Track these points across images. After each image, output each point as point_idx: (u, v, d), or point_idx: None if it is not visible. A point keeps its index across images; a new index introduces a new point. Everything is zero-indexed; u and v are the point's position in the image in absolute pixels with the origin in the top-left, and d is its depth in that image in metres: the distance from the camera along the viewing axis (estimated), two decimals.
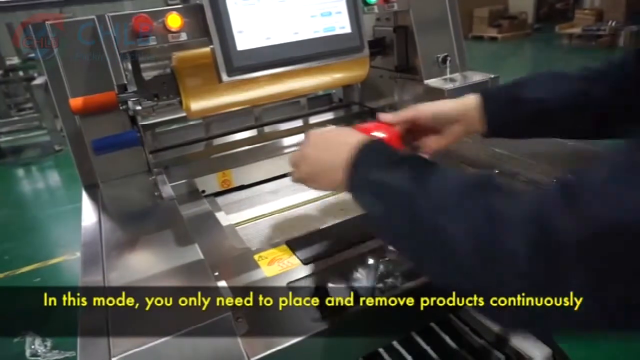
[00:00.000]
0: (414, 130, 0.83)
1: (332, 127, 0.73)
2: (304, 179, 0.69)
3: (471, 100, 0.78)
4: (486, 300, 0.44)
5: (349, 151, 0.58)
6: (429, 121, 0.81)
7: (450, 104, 0.80)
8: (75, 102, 0.92)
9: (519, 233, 0.40)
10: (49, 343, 2.15)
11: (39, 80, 4.32)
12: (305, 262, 0.74)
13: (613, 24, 6.69)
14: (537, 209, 0.40)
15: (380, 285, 0.71)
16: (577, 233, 0.36)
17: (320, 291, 0.71)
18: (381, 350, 0.95)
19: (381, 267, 0.78)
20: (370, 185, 0.55)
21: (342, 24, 1.01)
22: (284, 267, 0.73)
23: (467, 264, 0.44)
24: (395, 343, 0.97)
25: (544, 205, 0.40)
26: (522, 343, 0.94)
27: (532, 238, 0.39)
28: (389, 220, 0.53)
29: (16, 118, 5.13)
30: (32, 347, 2.14)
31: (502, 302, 0.41)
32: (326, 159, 0.63)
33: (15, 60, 5.08)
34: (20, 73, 5.06)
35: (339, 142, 0.61)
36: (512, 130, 0.80)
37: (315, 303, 0.67)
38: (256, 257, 0.76)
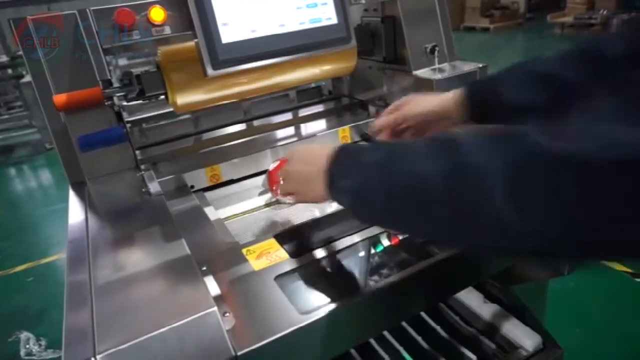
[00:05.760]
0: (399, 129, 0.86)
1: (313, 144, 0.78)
2: (291, 194, 0.73)
3: (453, 96, 0.81)
4: (465, 238, 0.46)
5: (326, 161, 0.61)
6: (417, 120, 0.84)
7: (435, 101, 0.83)
8: (59, 98, 0.90)
9: (500, 157, 0.40)
10: (43, 342, 2.14)
11: (28, 78, 4.28)
12: (293, 255, 0.73)
13: (604, 12, 6.71)
14: (518, 136, 0.41)
15: (376, 276, 0.71)
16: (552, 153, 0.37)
17: (314, 282, 0.71)
18: (372, 341, 0.95)
19: (375, 257, 0.78)
20: (345, 171, 0.58)
21: (328, 15, 1.00)
22: (271, 261, 0.72)
23: (443, 201, 0.45)
24: (386, 333, 0.98)
25: (526, 132, 0.41)
26: (513, 331, 0.94)
27: (514, 156, 0.39)
28: (366, 191, 0.54)
29: (6, 116, 5.07)
30: (27, 346, 2.14)
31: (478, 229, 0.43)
32: (305, 172, 0.66)
33: (3, 58, 5.02)
34: (9, 71, 5.00)
35: (317, 155, 0.64)
36: (489, 121, 0.80)
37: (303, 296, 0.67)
38: (244, 251, 0.76)
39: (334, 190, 0.60)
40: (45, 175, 4.36)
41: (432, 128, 0.83)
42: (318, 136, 1.23)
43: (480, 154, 0.42)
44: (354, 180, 0.56)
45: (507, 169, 0.39)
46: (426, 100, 0.84)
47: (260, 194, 1.08)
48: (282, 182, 0.75)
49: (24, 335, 2.19)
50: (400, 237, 0.79)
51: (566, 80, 0.70)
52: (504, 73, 0.79)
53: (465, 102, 0.80)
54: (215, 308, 0.56)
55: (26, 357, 2.08)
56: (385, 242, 0.79)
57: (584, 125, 0.39)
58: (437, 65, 1.20)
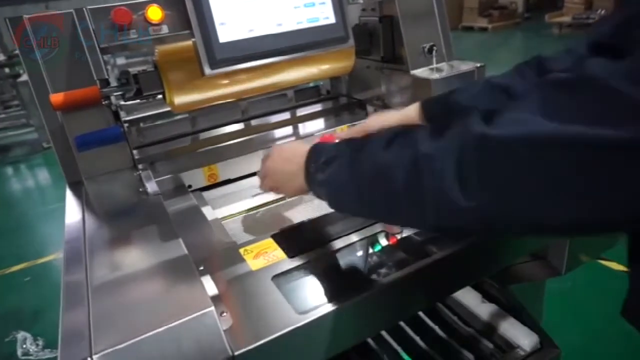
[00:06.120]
0: None
1: (291, 141, 0.84)
2: (273, 189, 0.79)
3: (413, 110, 0.88)
4: (428, 222, 0.49)
5: (302, 158, 0.67)
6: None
7: (396, 116, 0.89)
8: (56, 97, 0.90)
9: (446, 145, 0.46)
10: (40, 342, 2.14)
11: (25, 77, 4.26)
12: (290, 255, 0.73)
13: (602, 12, 6.72)
14: (461, 125, 0.46)
15: (374, 275, 0.71)
16: (498, 136, 0.42)
17: (311, 282, 0.71)
18: (370, 340, 0.95)
19: (373, 257, 0.78)
20: (320, 167, 0.63)
21: (326, 15, 1.00)
22: (269, 261, 0.72)
23: (405, 187, 0.49)
24: (384, 333, 0.98)
25: (467, 121, 0.46)
26: (510, 331, 0.95)
27: (457, 143, 0.45)
28: (339, 183, 0.59)
29: (2, 116, 5.06)
30: (24, 346, 2.13)
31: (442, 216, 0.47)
32: (286, 169, 0.72)
33: (1, 57, 5.00)
34: (7, 70, 4.98)
35: (295, 153, 0.70)
36: None
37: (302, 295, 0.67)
38: (241, 250, 0.76)
39: (312, 184, 0.66)
40: (43, 175, 4.35)
41: None
42: (316, 135, 1.23)
43: (433, 145, 0.47)
44: (328, 175, 0.61)
45: (457, 155, 0.44)
46: (388, 115, 0.91)
47: (258, 193, 1.07)
48: (264, 179, 0.81)
49: (20, 335, 2.19)
50: (398, 237, 0.79)
51: (514, 88, 0.76)
52: (462, 86, 0.86)
53: (423, 114, 0.86)
54: (213, 308, 0.56)
55: (23, 357, 2.07)
56: (383, 242, 0.79)
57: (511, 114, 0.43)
58: (434, 65, 1.20)
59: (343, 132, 0.95)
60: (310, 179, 0.66)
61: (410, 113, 0.88)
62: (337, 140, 0.69)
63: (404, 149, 0.50)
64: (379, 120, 0.90)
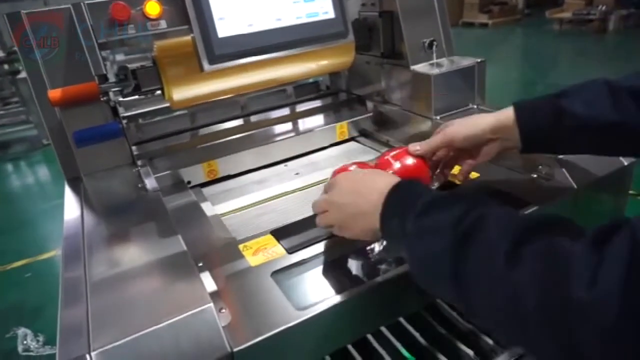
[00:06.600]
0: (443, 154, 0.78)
1: (356, 169, 0.72)
2: (334, 226, 0.66)
3: (507, 114, 0.71)
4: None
5: (379, 197, 0.57)
6: (462, 144, 0.75)
7: (485, 121, 0.73)
8: (54, 93, 0.90)
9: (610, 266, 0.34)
10: (41, 338, 2.14)
11: (24, 74, 4.24)
12: (290, 251, 0.73)
13: (603, 8, 6.69)
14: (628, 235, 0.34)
15: (374, 272, 0.71)
16: None
17: (311, 278, 0.70)
18: (369, 336, 0.95)
19: (372, 253, 0.77)
20: (408, 237, 0.52)
21: (325, 10, 0.99)
22: (268, 257, 0.72)
23: (535, 321, 0.38)
24: (383, 329, 0.97)
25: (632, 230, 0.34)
26: None
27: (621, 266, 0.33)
28: (434, 274, 0.50)
29: (2, 112, 5.05)
30: (25, 342, 2.13)
31: None
32: (356, 205, 0.61)
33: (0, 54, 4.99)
34: (6, 66, 4.97)
35: (368, 186, 0.60)
36: (550, 146, 0.71)
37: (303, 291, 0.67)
38: (241, 247, 0.75)
39: (388, 236, 0.57)
40: (43, 171, 4.35)
41: (485, 152, 0.75)
42: (316, 132, 1.22)
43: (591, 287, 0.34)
44: (412, 247, 0.52)
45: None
46: (475, 121, 0.74)
47: (258, 189, 1.07)
48: (324, 214, 0.68)
49: (21, 331, 2.19)
50: None
51: None
52: (568, 88, 0.68)
53: (518, 122, 0.69)
54: (212, 304, 0.56)
55: (24, 353, 2.08)
56: None
57: None
58: (435, 60, 1.19)
59: (416, 146, 0.76)
60: (386, 229, 0.55)
61: (503, 118, 0.71)
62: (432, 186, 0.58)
63: (547, 256, 0.38)
64: (466, 126, 0.74)
